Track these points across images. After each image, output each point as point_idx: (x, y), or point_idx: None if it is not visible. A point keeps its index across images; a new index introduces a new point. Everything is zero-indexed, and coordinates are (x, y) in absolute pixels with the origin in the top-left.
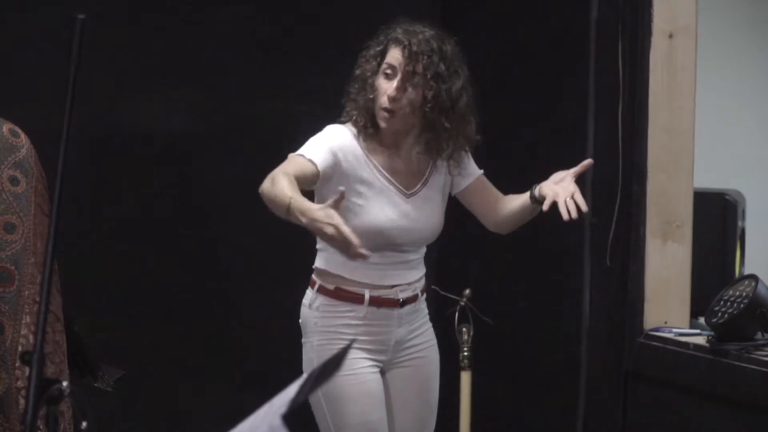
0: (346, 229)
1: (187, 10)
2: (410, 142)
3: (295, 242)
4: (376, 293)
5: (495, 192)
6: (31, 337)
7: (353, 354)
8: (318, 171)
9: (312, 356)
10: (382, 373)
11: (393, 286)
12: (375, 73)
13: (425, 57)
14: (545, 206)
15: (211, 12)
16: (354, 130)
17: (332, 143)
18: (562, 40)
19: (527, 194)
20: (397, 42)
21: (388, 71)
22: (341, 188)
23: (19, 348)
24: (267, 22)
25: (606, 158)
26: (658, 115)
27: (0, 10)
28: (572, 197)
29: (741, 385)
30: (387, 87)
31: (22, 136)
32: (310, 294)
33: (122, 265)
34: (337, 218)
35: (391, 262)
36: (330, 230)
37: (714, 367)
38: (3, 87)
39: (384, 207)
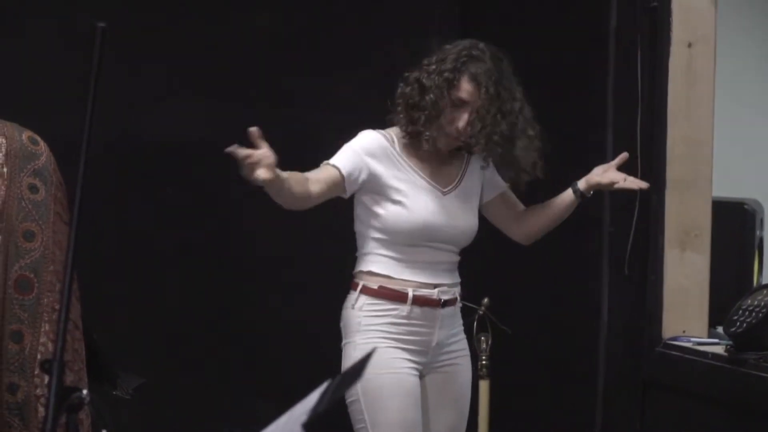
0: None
1: (205, 19)
2: (435, 150)
3: (315, 249)
4: (419, 292)
5: (519, 204)
6: (50, 345)
7: (395, 354)
8: (342, 175)
9: (356, 355)
10: (421, 377)
11: (435, 287)
12: (440, 95)
13: (495, 93)
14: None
15: (230, 21)
16: (390, 135)
17: (359, 146)
18: (581, 50)
19: (566, 194)
20: (472, 78)
21: (459, 103)
22: (252, 129)
23: (38, 356)
24: (285, 30)
25: (624, 167)
26: (677, 124)
27: (20, 18)
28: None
29: (759, 395)
30: (457, 117)
31: (41, 143)
32: (352, 296)
33: (141, 272)
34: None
35: (435, 261)
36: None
37: (732, 376)
38: (22, 95)
39: (425, 201)
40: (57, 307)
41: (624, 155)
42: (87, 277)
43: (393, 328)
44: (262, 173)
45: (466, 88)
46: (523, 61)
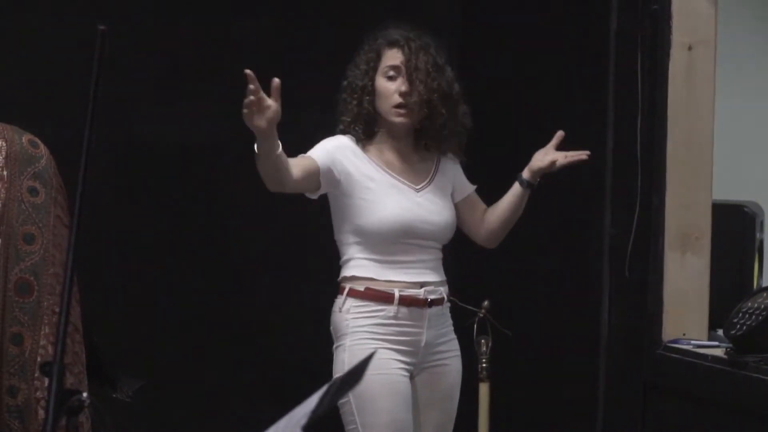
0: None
1: (208, 22)
2: (411, 141)
3: (318, 251)
4: (406, 292)
5: (483, 205)
6: (50, 348)
7: (385, 354)
8: (317, 164)
9: (344, 357)
10: (411, 377)
11: (422, 286)
12: (369, 78)
13: (424, 52)
14: (547, 161)
15: (233, 23)
16: (353, 138)
17: (331, 146)
18: (582, 52)
19: (514, 188)
20: (394, 43)
21: (391, 73)
22: (247, 71)
23: (38, 358)
24: (285, 31)
25: (625, 170)
26: (677, 126)
27: (20, 20)
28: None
29: (760, 397)
30: (395, 86)
31: (42, 146)
32: (339, 299)
33: (142, 275)
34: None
35: (417, 260)
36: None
37: (732, 379)
38: (23, 98)
39: (397, 198)
40: (57, 309)
41: (560, 133)
42: (87, 280)
43: (381, 329)
44: (261, 122)
45: (393, 56)
46: (524, 64)
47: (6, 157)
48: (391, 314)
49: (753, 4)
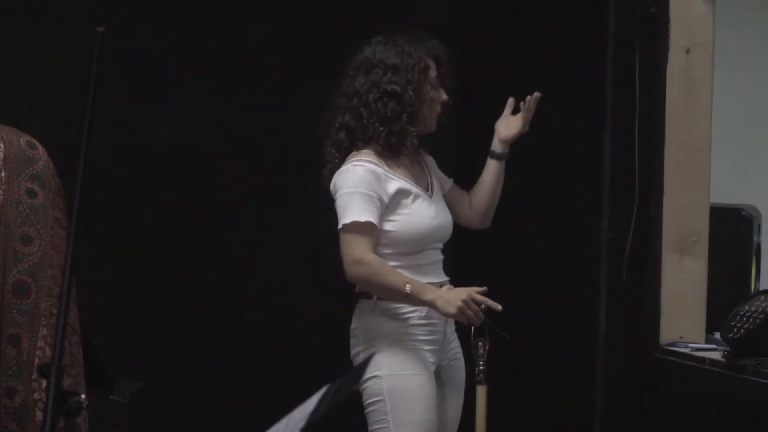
0: (478, 297)
1: (211, 23)
2: (414, 148)
3: (318, 252)
4: None
5: (467, 193)
6: (47, 350)
7: (419, 356)
8: (378, 226)
9: (380, 359)
10: (436, 375)
11: (441, 285)
12: (423, 85)
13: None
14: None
15: (236, 25)
16: (370, 159)
17: (363, 187)
18: (579, 56)
19: (489, 164)
20: (434, 53)
21: (436, 83)
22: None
23: (36, 360)
24: (292, 36)
25: (622, 173)
26: (675, 130)
27: (20, 22)
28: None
29: (757, 401)
30: (440, 93)
31: (40, 148)
32: (367, 303)
33: (140, 277)
34: (464, 293)
35: (435, 261)
36: (460, 305)
37: (730, 382)
38: (21, 99)
39: (425, 208)
40: (55, 311)
41: (510, 100)
42: (85, 282)
43: (416, 330)
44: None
45: (433, 65)
46: (522, 67)
47: (4, 159)
48: (423, 314)
49: (750, 7)
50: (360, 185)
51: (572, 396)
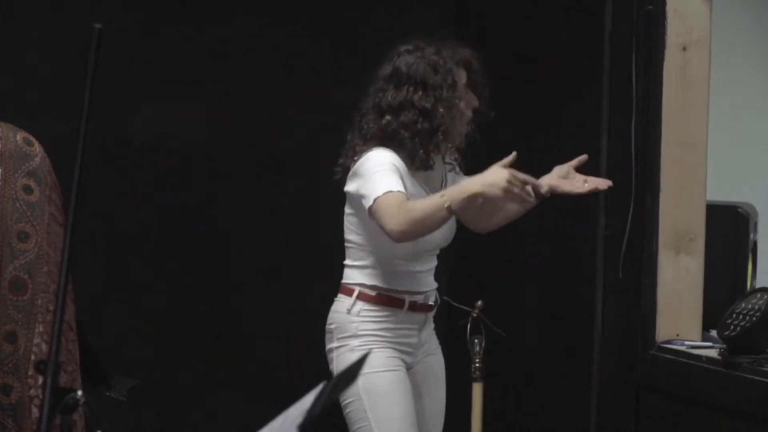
0: (520, 175)
1: (205, 20)
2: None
3: (310, 252)
4: (413, 299)
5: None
6: (44, 346)
7: (391, 353)
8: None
9: (351, 357)
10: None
11: (424, 292)
12: (456, 95)
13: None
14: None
15: (230, 22)
16: (398, 156)
17: (389, 164)
18: (576, 53)
19: None
20: (461, 62)
21: (465, 90)
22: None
23: (32, 357)
24: (283, 32)
25: (619, 171)
26: (672, 127)
27: (17, 19)
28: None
29: (753, 398)
30: (471, 99)
31: (36, 144)
32: (347, 300)
33: (136, 274)
34: (504, 170)
35: (428, 268)
36: (506, 183)
37: (726, 380)
38: (18, 96)
39: None
40: (51, 308)
41: (583, 157)
42: (81, 279)
43: (388, 333)
44: (515, 201)
45: (461, 74)
46: (519, 64)
47: (0, 155)
48: (399, 319)
49: (747, 4)
50: (387, 164)
51: (568, 393)
